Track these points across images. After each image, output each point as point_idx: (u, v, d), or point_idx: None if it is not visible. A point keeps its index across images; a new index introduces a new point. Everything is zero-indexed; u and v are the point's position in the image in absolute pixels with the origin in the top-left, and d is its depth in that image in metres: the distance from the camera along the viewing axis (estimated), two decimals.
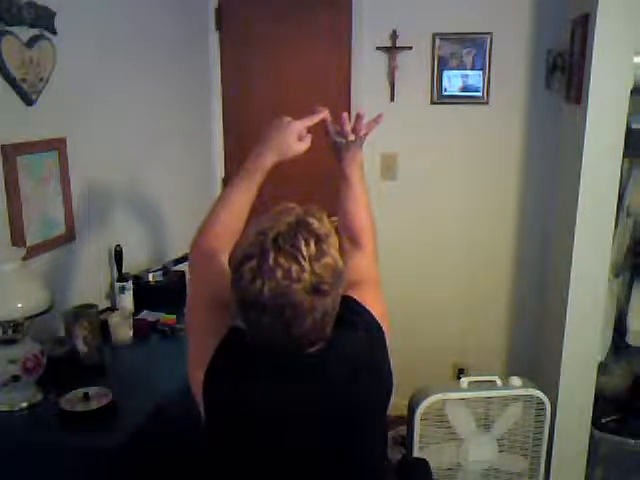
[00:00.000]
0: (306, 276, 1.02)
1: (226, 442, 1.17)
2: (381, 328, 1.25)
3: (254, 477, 1.18)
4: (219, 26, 3.02)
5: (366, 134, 1.46)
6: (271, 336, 1.08)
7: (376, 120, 1.47)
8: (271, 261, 1.02)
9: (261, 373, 1.13)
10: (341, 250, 1.11)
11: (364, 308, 1.25)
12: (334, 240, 1.09)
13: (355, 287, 1.27)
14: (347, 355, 1.17)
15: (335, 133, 1.45)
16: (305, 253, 1.03)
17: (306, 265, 1.02)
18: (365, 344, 1.21)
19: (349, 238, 1.43)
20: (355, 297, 1.25)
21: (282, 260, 1.02)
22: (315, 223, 1.07)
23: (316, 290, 1.03)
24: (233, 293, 1.08)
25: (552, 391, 2.50)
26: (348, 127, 1.44)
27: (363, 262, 1.40)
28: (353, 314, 1.22)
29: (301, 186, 2.79)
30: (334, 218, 1.30)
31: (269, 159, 1.42)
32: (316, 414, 1.14)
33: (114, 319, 1.96)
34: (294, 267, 1.02)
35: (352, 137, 1.44)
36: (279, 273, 1.02)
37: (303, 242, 1.03)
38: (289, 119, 1.42)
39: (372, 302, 1.28)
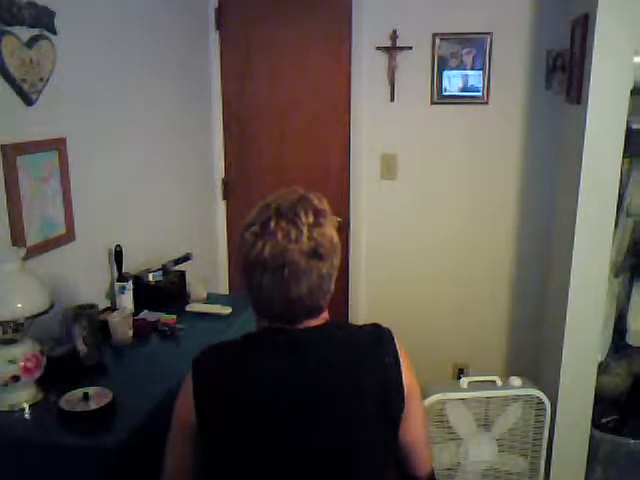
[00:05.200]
0: (304, 239, 1.12)
1: (225, 441, 1.16)
2: (392, 338, 1.25)
3: (253, 475, 1.18)
4: (219, 26, 3.02)
5: None
6: (271, 299, 1.15)
7: None
8: (272, 224, 1.13)
9: (256, 359, 1.17)
10: (339, 231, 1.21)
11: (382, 326, 1.27)
12: (331, 218, 1.19)
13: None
14: (345, 337, 1.23)
15: None
16: (304, 220, 1.13)
17: (304, 230, 1.13)
18: (370, 338, 1.24)
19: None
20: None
21: (283, 224, 1.12)
22: (315, 200, 1.19)
23: (313, 253, 1.12)
24: (238, 259, 1.17)
25: (552, 391, 2.51)
26: None
27: None
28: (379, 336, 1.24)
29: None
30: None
31: None
32: (315, 391, 1.15)
33: (114, 319, 1.96)
34: (293, 230, 1.12)
35: None
36: (279, 234, 1.12)
37: (303, 212, 1.14)
38: None
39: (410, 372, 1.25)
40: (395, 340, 1.25)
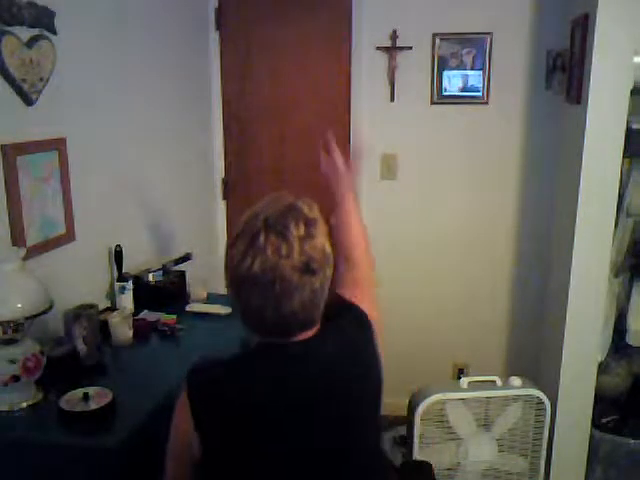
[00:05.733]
0: (295, 254, 1.07)
1: (222, 446, 1.16)
2: (371, 323, 1.27)
3: (251, 478, 1.18)
4: (219, 26, 3.02)
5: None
6: (262, 314, 1.10)
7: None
8: (262, 239, 1.07)
9: (255, 368, 1.15)
10: (330, 239, 1.16)
11: (355, 304, 1.28)
12: (323, 226, 1.14)
13: (348, 292, 1.32)
14: (335, 342, 1.21)
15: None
16: (294, 233, 1.08)
17: (295, 244, 1.07)
18: (353, 332, 1.24)
19: (343, 254, 1.42)
20: (347, 296, 1.29)
21: (272, 238, 1.07)
22: (305, 209, 1.13)
23: (305, 268, 1.08)
24: (225, 275, 1.12)
25: (552, 391, 2.51)
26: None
27: (357, 275, 1.39)
28: (343, 308, 1.25)
29: (300, 189, 2.79)
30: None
31: None
32: (309, 400, 1.15)
33: (114, 319, 1.96)
34: (283, 245, 1.07)
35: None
36: (269, 250, 1.07)
37: (293, 223, 1.09)
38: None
39: (364, 304, 1.29)
40: (373, 326, 1.26)
